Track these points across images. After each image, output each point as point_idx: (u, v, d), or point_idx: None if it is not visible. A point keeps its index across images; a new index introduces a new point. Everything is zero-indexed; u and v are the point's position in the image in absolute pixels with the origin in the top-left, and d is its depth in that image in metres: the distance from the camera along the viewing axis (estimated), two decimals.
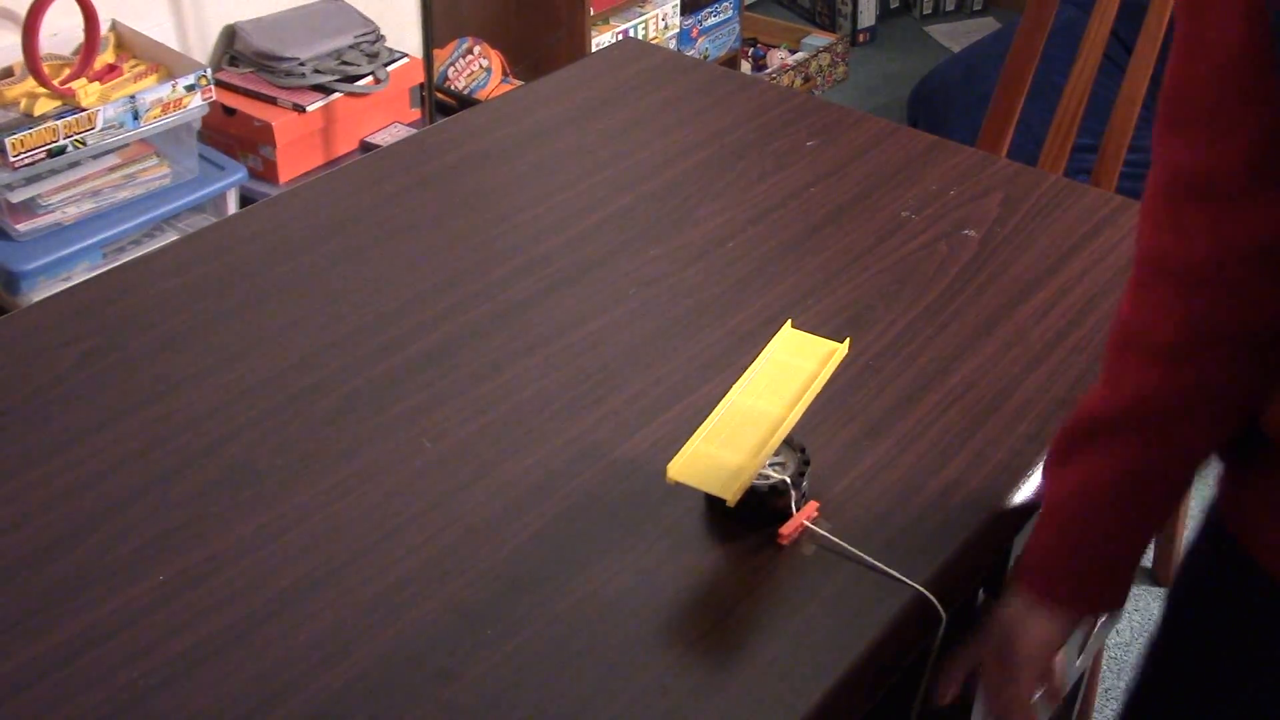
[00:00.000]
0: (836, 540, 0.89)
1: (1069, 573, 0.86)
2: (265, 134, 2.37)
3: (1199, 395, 0.78)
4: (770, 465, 0.93)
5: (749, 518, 0.92)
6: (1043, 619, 0.87)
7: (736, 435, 0.93)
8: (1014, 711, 0.91)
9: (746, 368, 1.06)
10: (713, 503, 0.92)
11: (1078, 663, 1.13)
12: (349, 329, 1.10)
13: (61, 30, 2.15)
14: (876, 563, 0.88)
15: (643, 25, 3.18)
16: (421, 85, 2.57)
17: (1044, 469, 0.89)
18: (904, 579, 0.87)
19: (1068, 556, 0.86)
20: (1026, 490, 0.97)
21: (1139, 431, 0.81)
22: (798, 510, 0.92)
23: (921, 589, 0.87)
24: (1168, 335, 0.78)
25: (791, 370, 0.99)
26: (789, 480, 0.91)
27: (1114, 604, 0.88)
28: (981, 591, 1.04)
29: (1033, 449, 0.99)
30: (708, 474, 0.91)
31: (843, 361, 1.06)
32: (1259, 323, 0.76)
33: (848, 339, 1.02)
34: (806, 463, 0.94)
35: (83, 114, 2.05)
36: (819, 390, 0.97)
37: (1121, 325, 0.82)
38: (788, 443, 0.95)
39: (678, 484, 0.90)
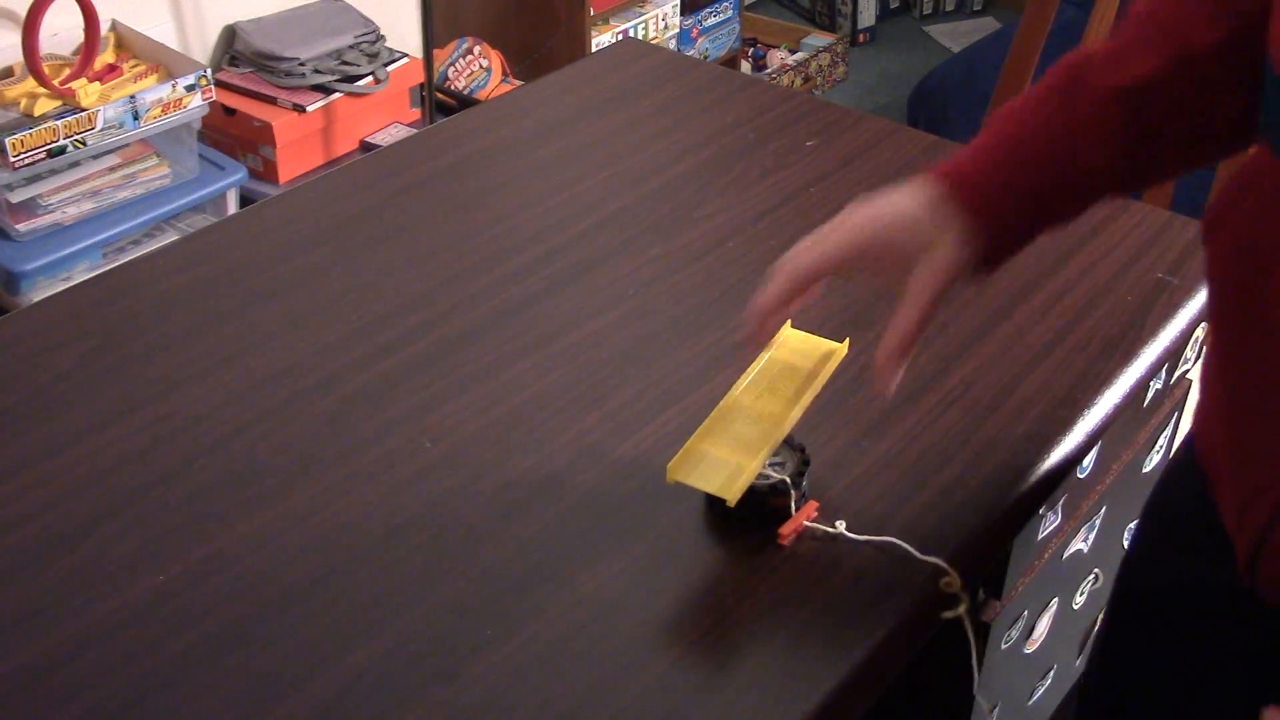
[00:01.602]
0: (832, 530, 0.89)
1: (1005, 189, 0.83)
2: (265, 134, 2.37)
3: (1204, 96, 0.80)
4: (770, 465, 0.93)
5: (749, 518, 0.91)
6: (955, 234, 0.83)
7: (736, 435, 0.93)
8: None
9: (746, 368, 1.06)
10: (713, 503, 0.92)
11: (1077, 663, 1.13)
12: (349, 329, 1.10)
13: (61, 30, 2.15)
14: (897, 540, 0.88)
15: (643, 25, 3.18)
16: (421, 85, 2.57)
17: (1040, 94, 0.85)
18: (924, 555, 0.87)
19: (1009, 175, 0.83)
20: (1026, 490, 0.97)
21: (1137, 104, 0.81)
22: (797, 510, 0.92)
23: (946, 566, 0.87)
24: (1200, 44, 0.79)
25: (791, 370, 0.99)
26: (789, 480, 0.91)
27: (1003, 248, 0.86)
28: (981, 591, 1.04)
29: (1033, 449, 0.99)
30: (707, 474, 0.90)
31: (843, 361, 1.06)
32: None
33: (847, 339, 1.02)
34: (806, 462, 0.94)
35: (83, 114, 2.05)
36: (819, 390, 0.97)
37: (1153, 11, 0.83)
38: (787, 442, 0.95)
39: (678, 484, 0.90)
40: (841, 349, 1.01)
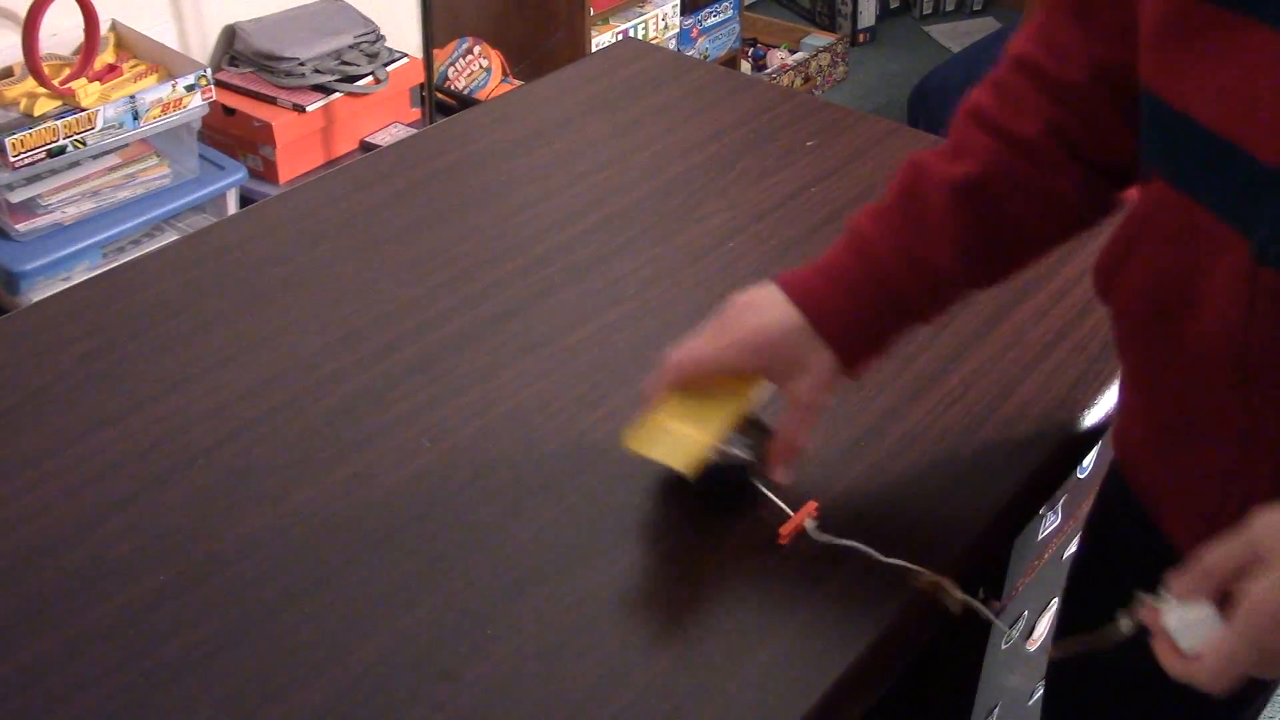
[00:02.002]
0: (832, 538, 0.89)
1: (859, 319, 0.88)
2: (265, 134, 2.37)
3: (1037, 180, 0.84)
4: (739, 445, 0.92)
5: (713, 497, 0.92)
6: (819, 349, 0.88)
7: (696, 410, 0.92)
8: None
9: None
10: (682, 486, 0.92)
11: None
12: (349, 329, 1.10)
13: (61, 30, 2.15)
14: (887, 556, 0.88)
15: (643, 25, 3.18)
16: (421, 85, 2.57)
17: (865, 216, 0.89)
18: (917, 566, 0.87)
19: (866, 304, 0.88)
20: (1026, 491, 0.97)
21: (974, 198, 0.84)
22: (759, 486, 0.92)
23: (946, 582, 0.87)
24: (1025, 131, 0.83)
25: None
26: (754, 460, 0.92)
27: (860, 363, 0.90)
28: (981, 591, 1.04)
29: (1032, 450, 0.99)
30: (665, 447, 0.91)
31: None
32: (1104, 148, 0.82)
33: None
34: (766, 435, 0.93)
35: (83, 114, 2.05)
36: None
37: (977, 107, 0.86)
38: (755, 424, 0.94)
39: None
40: None
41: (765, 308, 0.89)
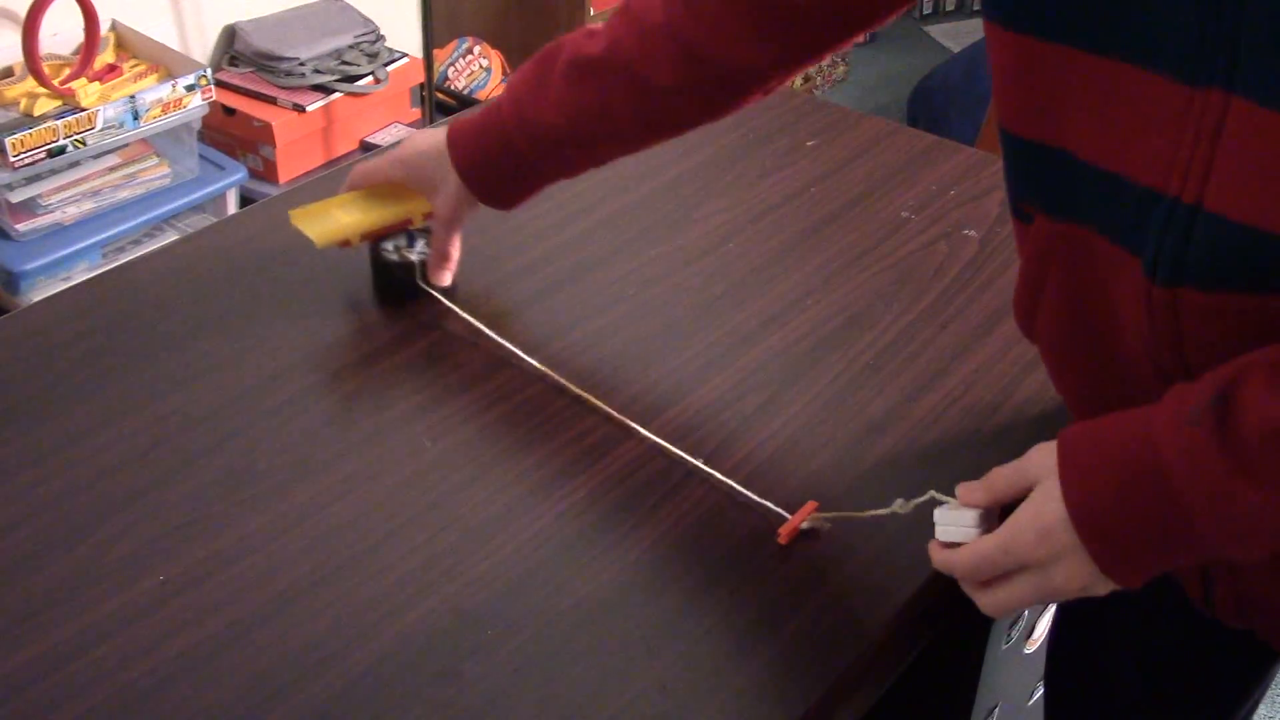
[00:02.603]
0: (830, 528, 0.89)
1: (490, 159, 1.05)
2: (265, 134, 2.37)
3: (639, 66, 0.96)
4: (414, 253, 1.11)
5: (388, 291, 1.12)
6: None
7: (360, 206, 1.11)
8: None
9: (744, 366, 1.06)
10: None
11: None
12: (349, 328, 1.10)
13: (61, 30, 2.16)
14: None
15: None
16: (421, 85, 2.57)
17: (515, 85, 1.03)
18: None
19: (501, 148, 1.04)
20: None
21: (585, 71, 0.98)
22: (426, 287, 1.11)
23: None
24: (652, 19, 0.95)
25: None
26: (418, 260, 1.10)
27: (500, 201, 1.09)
28: None
29: None
30: (316, 225, 1.09)
31: (843, 361, 1.06)
32: (723, 53, 0.94)
33: None
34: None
35: (83, 114, 2.05)
36: None
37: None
38: (428, 233, 1.12)
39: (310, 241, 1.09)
40: None
41: (427, 136, 1.09)
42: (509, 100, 1.02)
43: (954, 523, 0.78)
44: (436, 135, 1.07)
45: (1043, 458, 0.72)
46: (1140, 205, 0.67)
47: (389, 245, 1.13)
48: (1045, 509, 0.70)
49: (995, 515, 0.78)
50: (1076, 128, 0.70)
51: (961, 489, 0.78)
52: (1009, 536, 0.73)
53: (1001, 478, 0.76)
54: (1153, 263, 0.68)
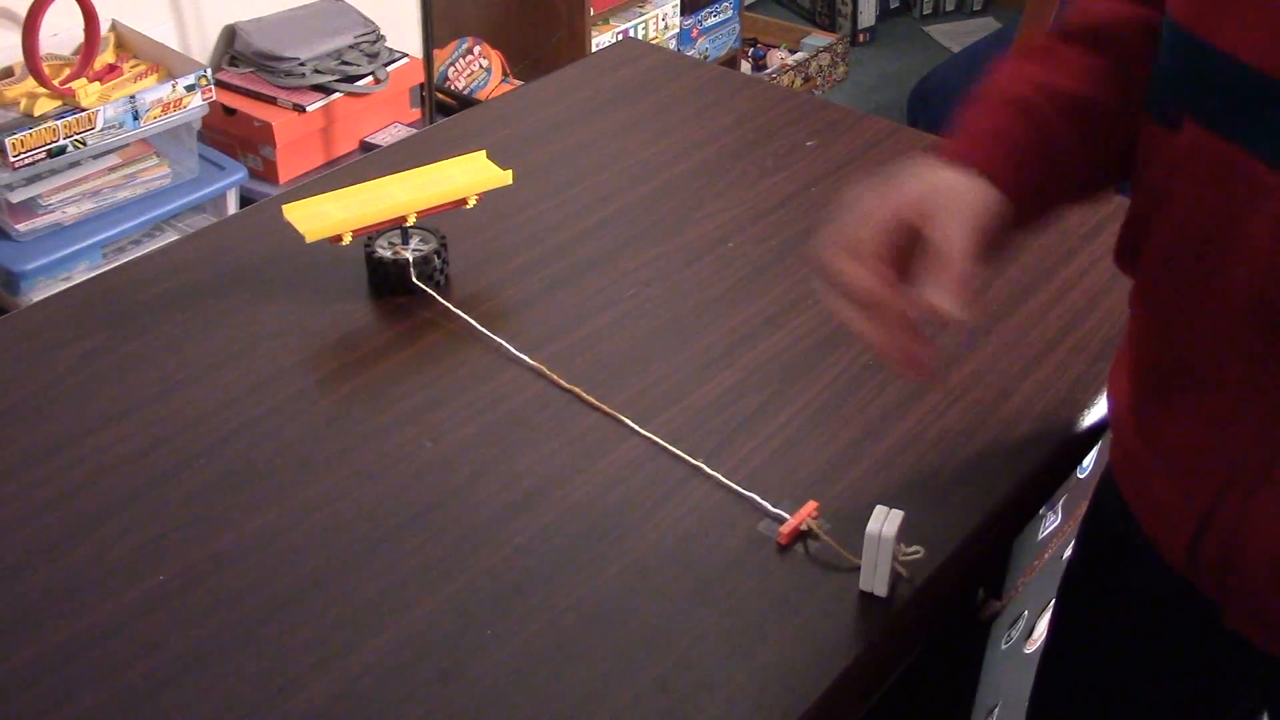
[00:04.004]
0: (831, 543, 0.89)
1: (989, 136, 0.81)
2: (265, 134, 2.37)
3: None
4: (412, 249, 1.12)
5: (382, 287, 1.13)
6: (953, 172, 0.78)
7: (358, 204, 1.11)
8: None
9: (744, 366, 1.06)
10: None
11: None
12: (349, 328, 1.10)
13: (61, 30, 2.15)
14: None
15: (643, 25, 3.18)
16: (421, 85, 2.57)
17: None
18: (908, 548, 0.87)
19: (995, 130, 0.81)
20: (1026, 491, 0.97)
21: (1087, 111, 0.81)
22: (419, 281, 1.11)
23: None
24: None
25: (448, 179, 1.15)
26: (411, 257, 1.11)
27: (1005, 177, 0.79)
28: (981, 591, 1.04)
29: (1033, 449, 0.99)
30: (308, 220, 1.09)
31: (844, 361, 1.06)
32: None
33: (509, 170, 1.15)
34: (444, 246, 1.14)
35: (83, 114, 2.05)
36: (461, 198, 1.14)
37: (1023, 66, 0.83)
38: (433, 231, 1.14)
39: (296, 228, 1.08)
40: (505, 177, 1.16)
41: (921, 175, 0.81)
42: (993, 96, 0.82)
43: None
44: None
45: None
46: None
47: (384, 243, 1.14)
48: None
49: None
50: (1251, 31, 0.67)
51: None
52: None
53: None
54: None
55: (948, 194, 0.76)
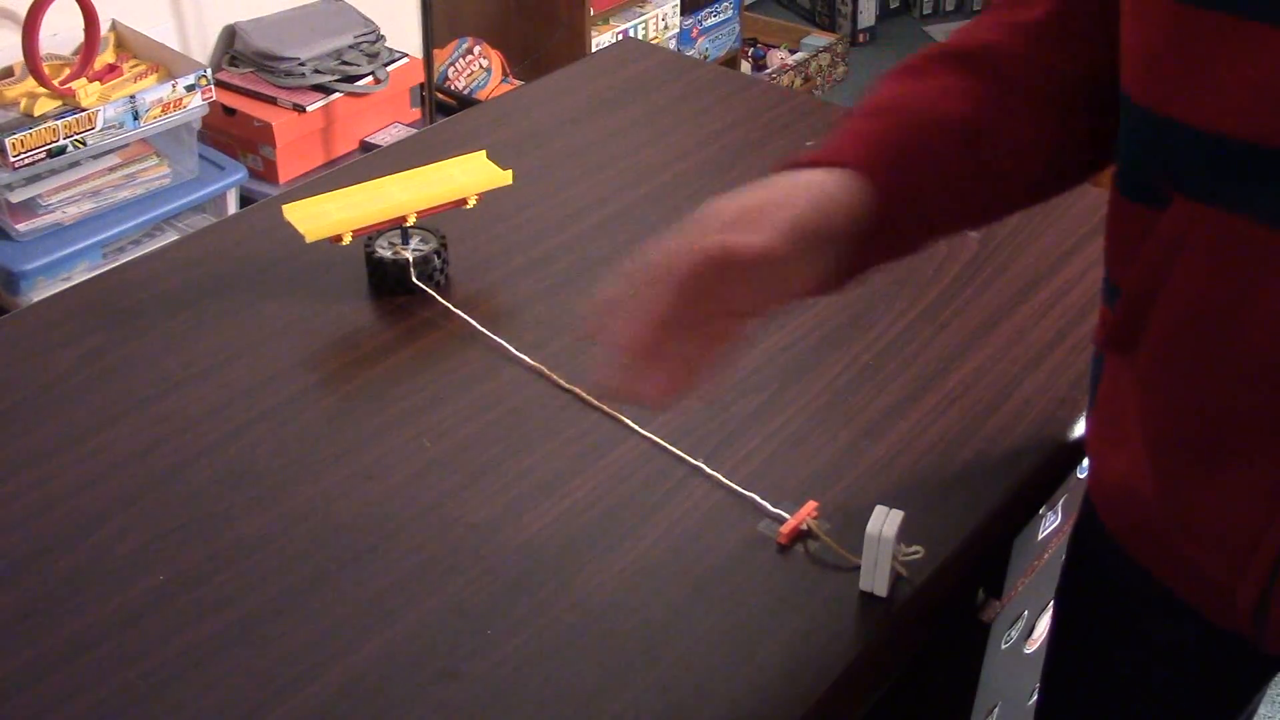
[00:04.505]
0: (832, 544, 0.89)
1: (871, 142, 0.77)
2: (265, 134, 2.37)
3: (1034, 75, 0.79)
4: (412, 249, 1.13)
5: (382, 287, 1.13)
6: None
7: (358, 204, 1.11)
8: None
9: (744, 366, 1.06)
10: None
11: None
12: (348, 328, 1.10)
13: (61, 30, 2.16)
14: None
15: (643, 25, 3.18)
16: (421, 85, 2.57)
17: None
18: (907, 547, 0.87)
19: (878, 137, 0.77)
20: (1026, 491, 0.97)
21: (983, 69, 0.79)
22: (419, 281, 1.11)
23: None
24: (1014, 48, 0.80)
25: (448, 179, 1.16)
26: (411, 257, 1.11)
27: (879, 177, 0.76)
28: (981, 591, 1.04)
29: (1033, 449, 0.99)
30: (309, 220, 1.09)
31: (843, 361, 1.06)
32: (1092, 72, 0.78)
33: (509, 170, 1.16)
34: (444, 246, 1.14)
35: (83, 114, 2.05)
36: (461, 198, 1.15)
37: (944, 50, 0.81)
38: (433, 231, 1.15)
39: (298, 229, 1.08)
40: (505, 176, 1.16)
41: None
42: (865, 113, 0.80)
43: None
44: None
45: None
46: None
47: (384, 243, 1.14)
48: None
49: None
50: (1232, 103, 0.65)
51: None
52: None
53: None
54: None
55: (776, 199, 0.72)
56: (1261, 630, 0.79)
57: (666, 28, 3.23)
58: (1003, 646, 1.11)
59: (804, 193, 0.73)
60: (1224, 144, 0.67)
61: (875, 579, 0.85)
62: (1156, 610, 0.87)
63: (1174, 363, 0.76)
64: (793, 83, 3.39)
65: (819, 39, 3.58)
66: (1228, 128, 0.66)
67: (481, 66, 2.96)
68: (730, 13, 3.39)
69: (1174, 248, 0.72)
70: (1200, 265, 0.71)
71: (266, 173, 2.41)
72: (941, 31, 3.91)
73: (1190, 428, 0.77)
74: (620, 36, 3.08)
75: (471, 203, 1.16)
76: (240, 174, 2.30)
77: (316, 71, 2.43)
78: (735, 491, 0.93)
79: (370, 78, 2.49)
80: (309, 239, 1.08)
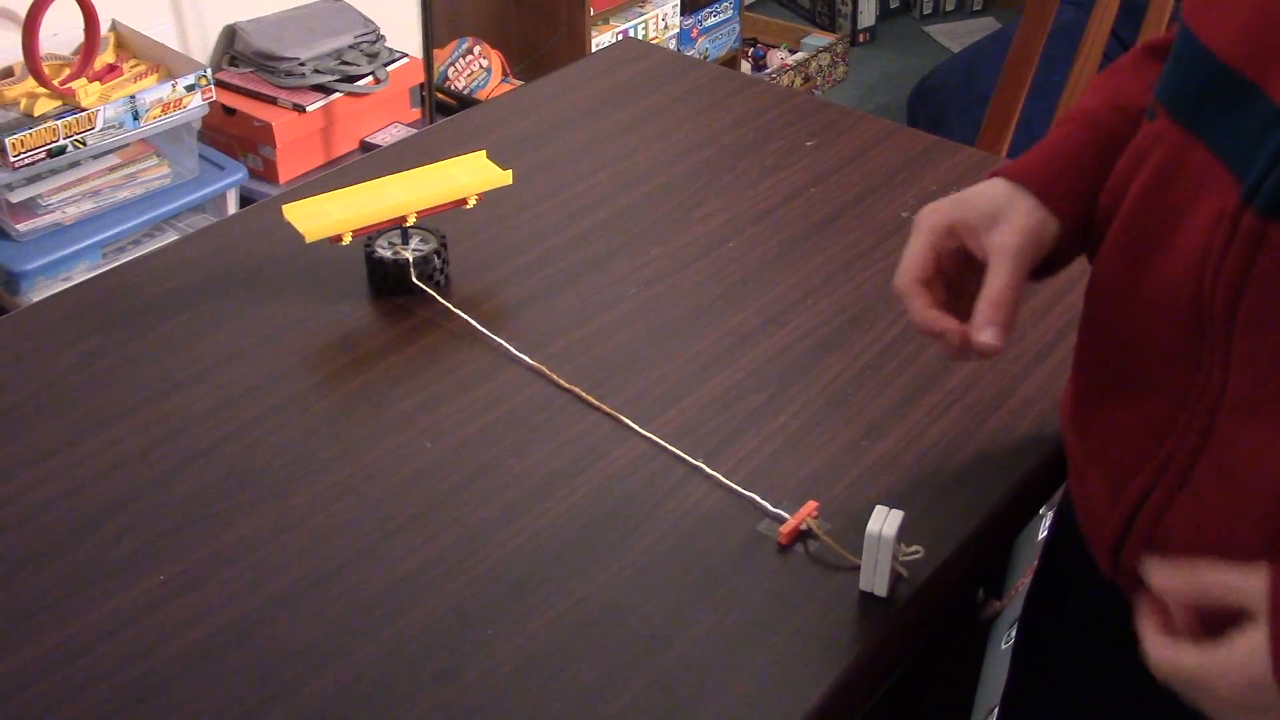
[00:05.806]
0: (831, 542, 0.89)
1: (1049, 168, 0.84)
2: (265, 134, 2.37)
3: None
4: (412, 249, 1.13)
5: (382, 288, 1.13)
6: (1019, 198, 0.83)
7: (358, 204, 1.11)
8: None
9: (744, 366, 1.06)
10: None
11: None
12: (348, 329, 1.10)
13: (61, 30, 2.16)
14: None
15: (643, 25, 3.18)
16: (421, 85, 2.57)
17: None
18: (909, 548, 0.87)
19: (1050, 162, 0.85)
20: (1026, 491, 0.97)
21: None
22: (419, 281, 1.12)
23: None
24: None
25: (448, 179, 1.15)
26: (411, 257, 1.11)
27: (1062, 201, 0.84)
28: (981, 591, 1.04)
29: (1032, 450, 0.99)
30: (308, 219, 1.10)
31: (843, 361, 1.06)
32: None
33: (509, 170, 1.16)
34: (444, 246, 1.14)
35: (83, 114, 2.05)
36: (461, 198, 1.15)
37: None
38: (434, 231, 1.15)
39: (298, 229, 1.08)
40: (505, 176, 1.15)
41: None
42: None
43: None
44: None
45: (1265, 595, 0.63)
46: (1266, 123, 0.65)
47: (384, 243, 1.14)
48: (1263, 662, 0.62)
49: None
50: (1226, 26, 0.68)
51: (1156, 574, 0.68)
52: (1219, 672, 0.65)
53: (1217, 585, 0.66)
54: (1254, 188, 0.65)
55: (1001, 217, 0.83)
56: (1117, 565, 0.80)
57: (666, 28, 3.23)
58: (1003, 646, 1.11)
59: (1017, 223, 0.83)
60: (1211, 63, 0.69)
61: (875, 579, 0.85)
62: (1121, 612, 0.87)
63: (1109, 287, 0.79)
64: (793, 83, 3.39)
65: (819, 39, 3.58)
66: (1217, 47, 0.69)
67: (481, 66, 2.96)
68: (730, 13, 3.39)
69: (1138, 161, 0.75)
70: (1149, 183, 0.74)
71: (266, 173, 2.41)
72: (942, 31, 3.91)
73: (1106, 354, 0.79)
74: (620, 36, 3.09)
75: (471, 203, 1.16)
76: (240, 174, 2.30)
77: (316, 71, 2.43)
78: (735, 491, 0.93)
79: (370, 78, 2.49)
80: (309, 239, 1.08)
